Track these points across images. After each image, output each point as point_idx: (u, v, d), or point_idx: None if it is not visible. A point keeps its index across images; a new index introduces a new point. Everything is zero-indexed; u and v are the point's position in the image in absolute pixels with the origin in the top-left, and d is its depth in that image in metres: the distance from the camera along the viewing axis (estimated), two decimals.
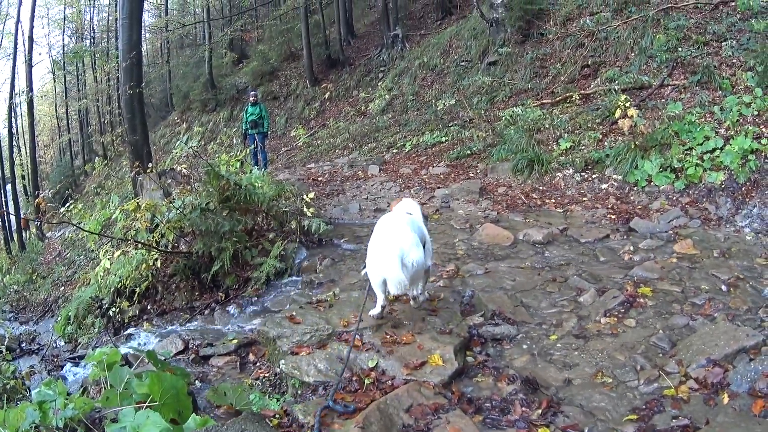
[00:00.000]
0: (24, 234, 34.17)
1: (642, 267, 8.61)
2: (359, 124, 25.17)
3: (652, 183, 12.38)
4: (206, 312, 9.83)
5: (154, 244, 10.10)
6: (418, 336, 6.11)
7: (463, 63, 23.84)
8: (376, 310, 6.42)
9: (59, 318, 11.41)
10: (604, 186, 13.02)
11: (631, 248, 9.63)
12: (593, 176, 13.45)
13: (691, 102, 13.98)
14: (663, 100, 14.63)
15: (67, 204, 12.17)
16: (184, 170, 12.17)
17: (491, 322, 6.89)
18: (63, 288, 14.57)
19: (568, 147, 14.55)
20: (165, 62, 51.84)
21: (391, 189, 14.60)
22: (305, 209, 11.01)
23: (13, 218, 37.42)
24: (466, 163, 16.45)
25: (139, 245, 10.05)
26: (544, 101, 17.70)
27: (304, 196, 11.37)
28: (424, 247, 6.54)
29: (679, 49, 15.88)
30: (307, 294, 8.83)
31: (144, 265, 10.08)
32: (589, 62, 18.17)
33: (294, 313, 6.65)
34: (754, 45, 14.44)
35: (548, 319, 7.25)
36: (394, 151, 20.07)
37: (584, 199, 12.77)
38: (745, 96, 13.07)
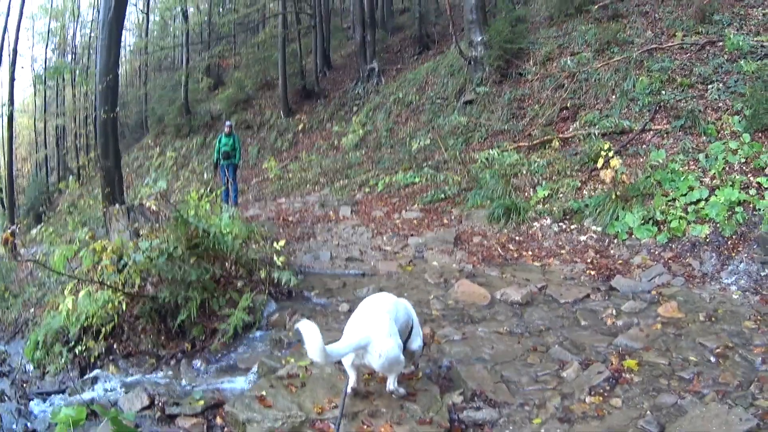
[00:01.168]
0: None
1: (626, 335, 8.41)
2: (332, 159, 24.98)
3: (633, 236, 12.25)
4: (172, 362, 9.48)
5: (120, 286, 9.81)
6: (396, 427, 5.83)
7: (438, 100, 23.70)
8: (350, 385, 6.17)
9: (29, 342, 11.12)
10: (582, 238, 12.89)
11: (614, 312, 9.45)
12: (572, 227, 13.33)
13: (674, 148, 13.91)
14: (645, 146, 14.56)
15: (39, 226, 11.98)
16: (153, 207, 11.94)
17: (472, 406, 6.59)
18: (33, 310, 14.24)
19: (546, 195, 14.43)
20: (142, 84, 51.80)
21: (363, 235, 14.38)
22: (275, 258, 10.78)
23: None
24: (440, 207, 16.28)
25: (105, 286, 9.76)
26: (521, 144, 17.58)
27: (275, 244, 11.17)
28: (411, 331, 6.55)
29: (663, 92, 15.83)
30: (276, 356, 8.52)
31: (110, 305, 9.77)
32: (569, 104, 18.04)
33: (264, 393, 6.33)
34: (742, 87, 14.35)
35: (531, 398, 6.95)
36: (366, 190, 19.88)
37: (562, 252, 12.61)
38: (731, 142, 12.99)
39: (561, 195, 14.38)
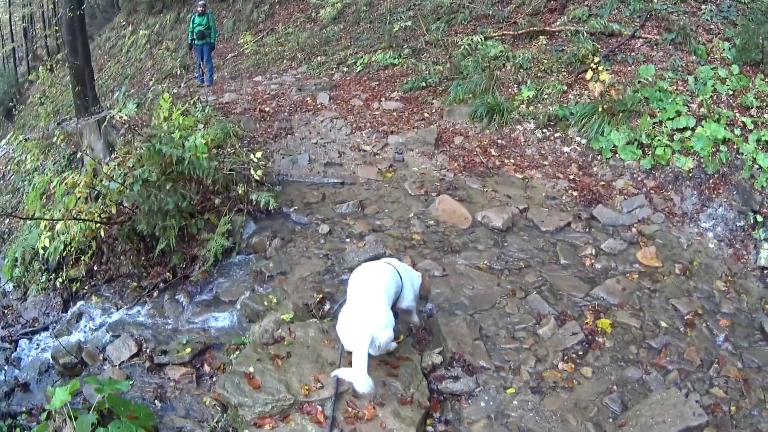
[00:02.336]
0: None
1: (604, 288, 8.72)
2: (309, 33, 24.37)
3: (617, 155, 12.32)
4: (155, 294, 9.70)
5: (96, 216, 9.88)
6: (380, 409, 6.07)
7: None
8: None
9: (6, 259, 11.27)
10: (566, 149, 12.96)
11: (593, 252, 9.70)
12: (555, 135, 13.36)
13: (663, 63, 13.83)
14: (633, 54, 14.43)
15: (8, 137, 11.92)
16: (123, 118, 11.88)
17: (450, 375, 6.88)
18: (8, 221, 14.28)
19: (531, 96, 14.37)
20: None
21: (341, 130, 14.23)
22: (253, 172, 10.75)
23: None
24: (421, 97, 16.12)
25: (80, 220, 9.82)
26: (505, 32, 17.29)
27: (252, 156, 11.19)
28: (401, 291, 6.92)
29: (655, 0, 15.62)
30: (258, 294, 8.72)
31: (88, 231, 9.89)
32: None
33: (252, 369, 6.47)
34: (734, 15, 14.30)
35: (507, 359, 7.28)
36: (345, 69, 19.56)
37: (545, 163, 12.69)
38: (720, 69, 13.00)
39: (546, 97, 14.34)
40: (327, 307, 8.24)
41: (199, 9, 19.95)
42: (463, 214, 10.48)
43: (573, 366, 7.16)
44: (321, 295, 8.42)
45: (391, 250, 9.41)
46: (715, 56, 13.75)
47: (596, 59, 13.45)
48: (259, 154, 11.30)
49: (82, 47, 15.98)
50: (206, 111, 13.31)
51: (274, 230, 10.26)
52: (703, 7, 14.98)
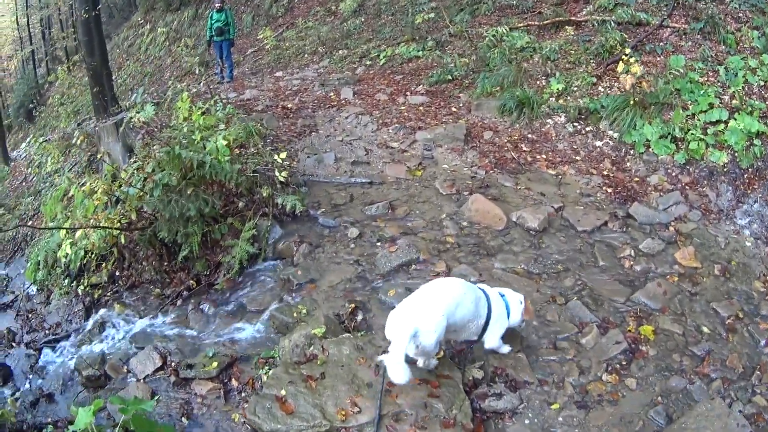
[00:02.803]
0: None
1: (645, 292, 8.44)
2: (329, 26, 23.91)
3: (650, 150, 11.91)
4: (178, 302, 9.39)
5: (116, 223, 9.58)
6: None
7: None
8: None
9: (30, 262, 11.06)
10: (598, 144, 12.56)
11: (632, 253, 9.36)
12: (587, 129, 12.94)
13: (692, 53, 13.40)
14: (662, 44, 13.97)
15: (28, 140, 11.74)
16: (142, 121, 11.58)
17: (493, 392, 6.51)
18: (31, 222, 14.06)
19: (561, 89, 13.91)
20: None
21: (367, 126, 13.83)
22: (277, 173, 10.40)
23: None
24: (447, 90, 15.71)
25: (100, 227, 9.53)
26: (530, 23, 16.85)
27: (276, 156, 10.85)
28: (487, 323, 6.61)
29: None
30: (286, 304, 8.38)
31: (108, 237, 9.61)
32: None
33: (284, 392, 6.15)
34: (763, 4, 13.86)
35: (550, 372, 6.98)
36: (368, 62, 19.20)
37: (577, 158, 12.28)
38: (751, 59, 12.61)
39: (575, 90, 13.90)
40: (360, 317, 7.87)
41: (217, 5, 19.60)
42: (498, 214, 10.06)
43: (617, 377, 6.92)
44: (353, 305, 8.04)
45: (424, 254, 9.04)
46: (745, 45, 13.32)
47: (626, 50, 12.99)
48: (283, 155, 10.94)
49: (99, 48, 15.63)
50: (227, 109, 12.99)
51: (301, 235, 9.90)
52: None
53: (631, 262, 9.20)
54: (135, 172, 10.03)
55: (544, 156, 12.48)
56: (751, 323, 8.09)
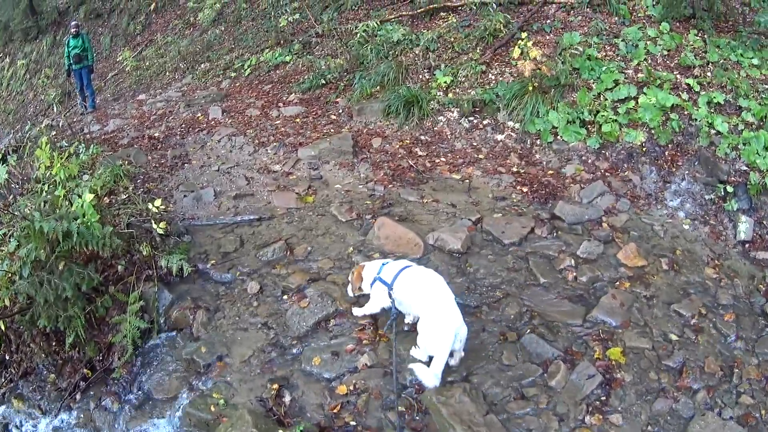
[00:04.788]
0: None
1: (601, 308, 7.53)
2: (189, 40, 22.19)
3: (558, 137, 10.80)
4: (77, 396, 7.78)
5: None
6: None
7: None
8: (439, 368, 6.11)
9: None
10: (500, 137, 11.29)
11: (572, 262, 8.30)
12: (484, 122, 11.64)
13: (584, 28, 12.39)
14: (549, 21, 12.88)
15: None
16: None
17: None
18: None
19: (448, 81, 12.50)
20: None
21: (243, 148, 12.10)
22: (155, 226, 8.74)
23: None
24: (323, 96, 14.13)
25: None
26: (402, 13, 15.46)
27: (150, 205, 9.16)
28: None
29: None
30: (198, 392, 6.91)
31: None
32: None
33: None
34: None
35: (529, 429, 5.98)
36: (232, 74, 17.51)
37: (480, 157, 10.96)
38: (649, 29, 11.94)
39: (464, 81, 12.53)
40: (287, 398, 6.56)
41: (72, 31, 17.78)
42: (412, 239, 8.60)
43: (600, 416, 6.17)
44: (276, 385, 6.66)
45: (340, 302, 7.57)
46: (639, 15, 12.55)
47: (521, 34, 11.84)
48: (158, 203, 9.21)
49: None
50: (91, 150, 11.22)
51: (195, 297, 8.23)
52: None
53: (574, 273, 8.14)
54: None
55: (443, 159, 11.09)
56: (715, 317, 7.66)
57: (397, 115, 12.23)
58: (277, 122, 13.20)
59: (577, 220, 9.15)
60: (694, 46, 11.71)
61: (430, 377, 5.98)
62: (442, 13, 14.71)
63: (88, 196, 8.22)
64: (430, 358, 6.16)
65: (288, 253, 8.78)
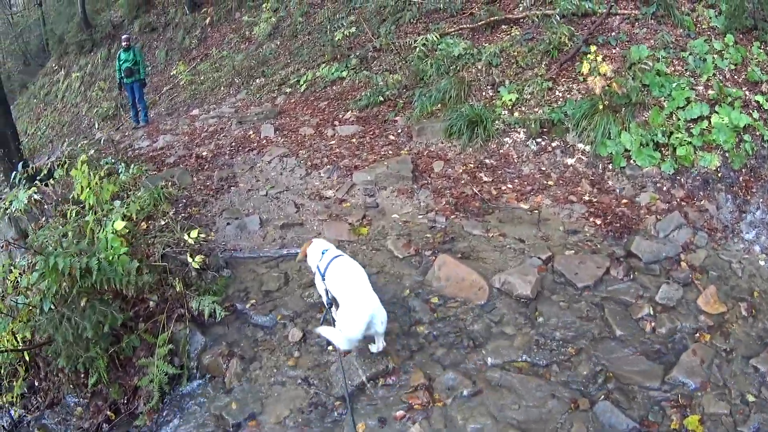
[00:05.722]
0: None
1: (681, 368, 6.54)
2: (245, 54, 21.55)
3: (632, 162, 9.81)
4: None
5: (11, 339, 7.44)
6: None
7: None
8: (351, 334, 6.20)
9: None
10: (570, 161, 10.29)
11: (650, 310, 7.31)
12: (553, 144, 10.64)
13: (649, 41, 11.37)
14: (615, 34, 11.87)
15: None
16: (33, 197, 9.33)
17: None
18: None
19: (514, 99, 11.52)
20: (37, 6, 46.44)
21: (294, 171, 11.27)
22: (190, 260, 7.90)
23: None
24: (381, 114, 13.26)
25: None
26: (462, 26, 14.45)
27: (187, 236, 8.21)
28: None
29: None
30: None
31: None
32: None
33: None
34: None
35: None
36: (287, 90, 16.78)
37: (550, 183, 9.97)
38: (715, 42, 11.00)
39: (530, 98, 11.54)
40: None
41: (123, 44, 17.37)
42: (476, 282, 7.62)
43: None
44: None
45: (392, 359, 6.65)
46: (703, 27, 11.54)
47: (590, 48, 10.90)
48: (195, 233, 8.27)
49: (0, 103, 12.75)
50: (132, 170, 10.46)
51: (230, 342, 7.37)
52: None
53: (653, 324, 7.14)
54: (18, 277, 7.89)
55: (510, 185, 10.09)
56: None
57: (460, 136, 11.28)
58: (332, 142, 12.35)
59: (655, 258, 8.14)
60: (760, 60, 10.76)
61: (340, 339, 6.15)
62: (503, 26, 13.72)
63: (118, 224, 7.51)
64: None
65: None
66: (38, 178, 10.27)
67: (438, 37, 14.04)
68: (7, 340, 7.36)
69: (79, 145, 14.60)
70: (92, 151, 12.00)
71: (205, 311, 7.41)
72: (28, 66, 43.41)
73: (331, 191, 10.53)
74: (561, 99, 11.20)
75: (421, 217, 9.48)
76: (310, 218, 9.82)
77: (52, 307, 6.93)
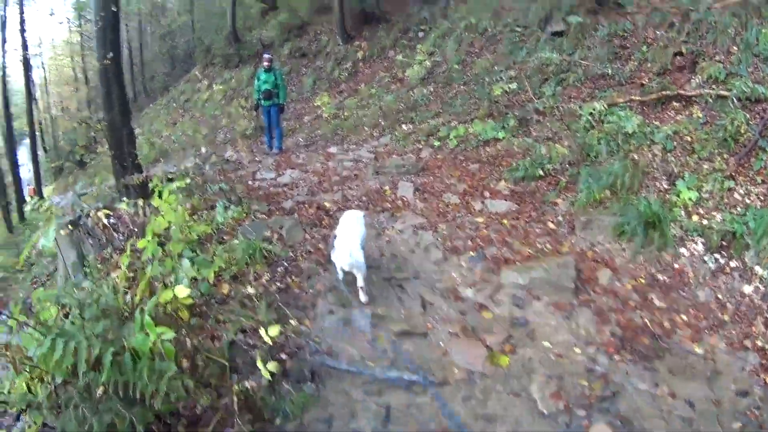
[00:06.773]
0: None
1: None
2: (394, 95, 20.63)
3: None
4: None
5: None
6: None
7: (518, 29, 19.06)
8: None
9: None
10: (747, 290, 8.32)
11: None
12: (731, 264, 8.72)
13: None
14: None
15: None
16: (103, 220, 8.67)
17: None
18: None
19: (694, 199, 9.71)
20: (186, 10, 47.78)
21: (429, 252, 9.68)
22: (260, 365, 6.13)
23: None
24: (539, 190, 11.70)
25: None
26: (632, 98, 12.78)
27: (264, 333, 6.41)
28: None
29: None
30: None
31: None
32: (683, 49, 13.14)
33: None
34: None
35: None
36: (435, 143, 15.47)
37: (725, 318, 8.05)
38: None
39: (708, 198, 9.73)
40: None
41: (265, 64, 16.84)
42: None
43: None
44: None
45: None
46: None
47: None
48: (275, 331, 6.48)
49: (119, 101, 12.23)
50: (230, 212, 9.37)
51: None
52: None
53: None
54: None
55: (684, 317, 8.18)
56: None
57: (632, 238, 9.52)
58: (479, 219, 10.83)
59: None
60: None
61: (343, 257, 8.14)
62: (674, 102, 12.05)
63: (180, 291, 6.19)
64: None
65: None
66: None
67: (606, 107, 12.49)
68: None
69: (183, 166, 13.77)
70: (198, 177, 10.99)
71: None
72: (174, 69, 44.50)
73: (470, 290, 8.82)
74: (741, 204, 9.35)
75: (578, 350, 7.59)
76: (438, 327, 8.01)
77: (63, 382, 5.42)
